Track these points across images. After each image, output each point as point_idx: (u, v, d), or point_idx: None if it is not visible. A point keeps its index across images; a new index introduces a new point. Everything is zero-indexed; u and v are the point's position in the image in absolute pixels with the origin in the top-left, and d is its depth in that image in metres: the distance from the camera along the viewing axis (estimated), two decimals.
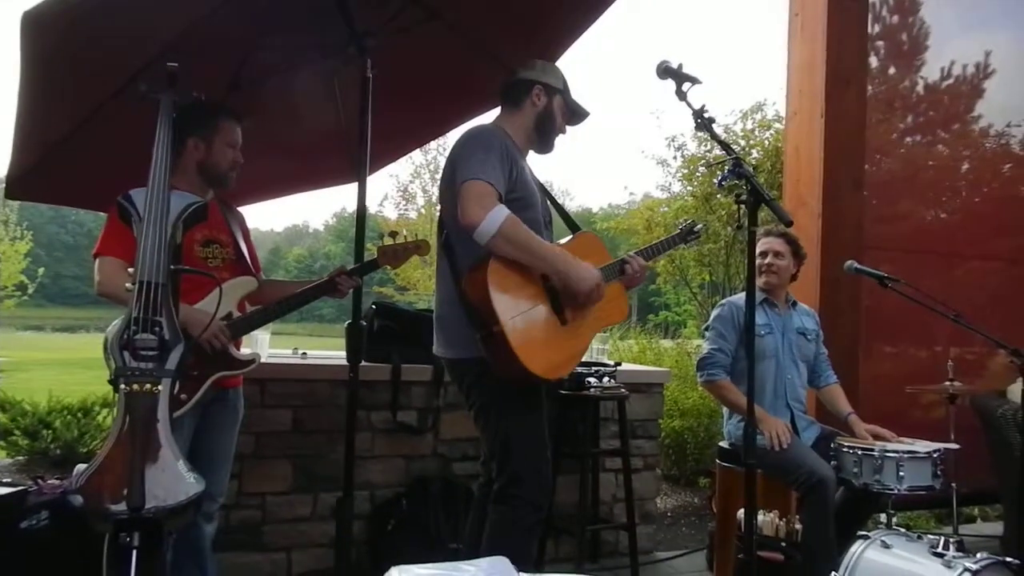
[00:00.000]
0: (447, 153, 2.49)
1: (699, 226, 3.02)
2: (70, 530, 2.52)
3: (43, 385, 7.06)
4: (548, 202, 2.72)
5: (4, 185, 2.83)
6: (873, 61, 4.52)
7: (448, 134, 3.87)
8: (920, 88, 4.76)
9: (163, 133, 1.95)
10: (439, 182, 2.57)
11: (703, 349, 3.41)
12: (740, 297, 3.38)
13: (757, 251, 3.29)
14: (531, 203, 2.49)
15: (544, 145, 2.67)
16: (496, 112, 2.71)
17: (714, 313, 3.44)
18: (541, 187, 2.68)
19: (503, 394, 2.42)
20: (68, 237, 52.89)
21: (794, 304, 3.50)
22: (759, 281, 3.36)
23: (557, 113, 2.64)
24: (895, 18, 4.63)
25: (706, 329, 3.47)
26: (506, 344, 2.24)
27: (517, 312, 2.30)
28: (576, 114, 2.72)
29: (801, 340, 3.42)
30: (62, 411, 5.66)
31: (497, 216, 2.26)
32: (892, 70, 4.68)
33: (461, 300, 2.39)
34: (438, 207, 2.73)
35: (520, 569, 1.59)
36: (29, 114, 2.37)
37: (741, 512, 3.02)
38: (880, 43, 4.57)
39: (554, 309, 2.40)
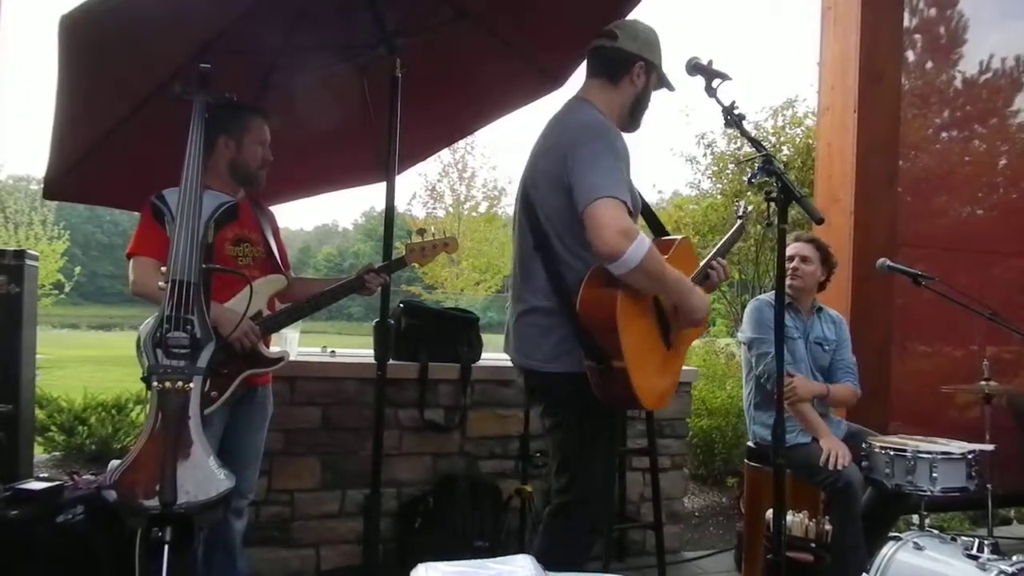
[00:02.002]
0: (563, 139, 2.20)
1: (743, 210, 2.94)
2: (104, 525, 2.57)
3: (79, 382, 7.20)
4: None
5: (42, 186, 2.88)
6: (909, 55, 4.45)
7: (475, 134, 3.87)
8: (958, 82, 4.67)
9: (196, 133, 1.98)
10: (531, 169, 2.33)
11: (766, 356, 3.22)
12: (768, 296, 3.35)
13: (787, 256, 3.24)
14: (633, 209, 2.20)
15: (634, 125, 2.43)
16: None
17: (755, 319, 3.32)
18: None
19: (593, 415, 2.26)
20: (104, 237, 53.87)
21: (819, 310, 3.43)
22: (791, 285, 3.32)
23: (651, 92, 2.42)
24: (932, 11, 4.55)
25: (742, 335, 3.42)
26: (627, 381, 2.09)
27: (640, 347, 2.15)
28: (664, 88, 2.48)
29: (818, 350, 3.36)
30: (97, 408, 5.76)
31: (640, 249, 2.01)
32: (929, 64, 4.59)
33: (570, 316, 2.16)
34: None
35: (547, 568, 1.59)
36: (66, 116, 2.41)
37: (770, 512, 2.99)
38: (917, 36, 4.49)
39: (662, 333, 2.28)
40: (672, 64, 2.40)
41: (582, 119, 2.26)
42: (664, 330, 2.28)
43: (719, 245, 2.64)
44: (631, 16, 2.75)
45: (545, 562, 2.16)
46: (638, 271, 2.03)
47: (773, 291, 3.37)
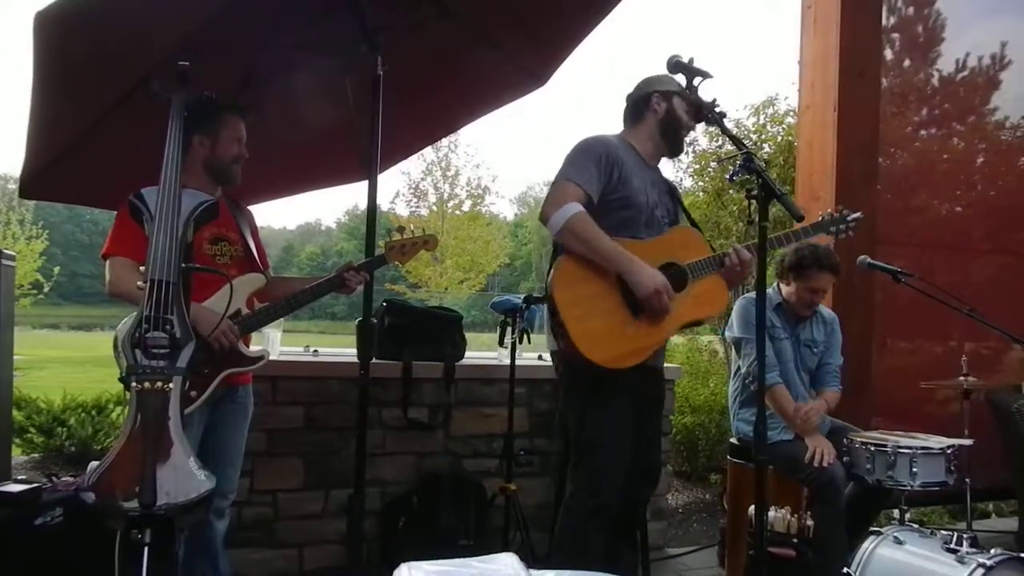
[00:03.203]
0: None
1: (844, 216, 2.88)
2: (84, 527, 2.55)
3: (58, 383, 7.12)
4: (677, 205, 2.82)
5: (19, 184, 2.85)
6: (888, 53, 4.48)
7: (459, 131, 3.87)
8: (935, 80, 4.71)
9: (175, 132, 1.96)
10: None
11: (752, 355, 3.23)
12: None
13: (810, 286, 3.24)
14: (631, 203, 2.58)
15: (674, 147, 2.76)
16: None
17: (743, 318, 3.30)
18: (671, 191, 2.80)
19: (578, 383, 2.59)
20: (83, 236, 53.24)
21: (814, 312, 3.41)
22: (801, 307, 3.32)
23: (680, 112, 2.68)
24: (910, 10, 4.58)
25: (729, 334, 3.42)
26: (567, 334, 2.39)
27: (580, 304, 2.43)
28: (701, 107, 2.64)
29: (806, 352, 3.38)
30: (76, 409, 5.70)
31: (567, 211, 2.43)
32: (907, 62, 4.63)
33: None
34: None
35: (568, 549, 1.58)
36: (43, 114, 2.38)
37: (752, 508, 3.01)
38: (895, 35, 4.53)
39: (627, 301, 2.47)
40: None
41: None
42: (629, 298, 2.47)
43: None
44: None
45: (560, 527, 2.51)
46: (565, 231, 2.43)
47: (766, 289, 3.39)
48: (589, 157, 2.54)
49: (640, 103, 2.73)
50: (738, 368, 3.39)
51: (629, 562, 2.90)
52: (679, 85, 2.66)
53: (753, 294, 3.42)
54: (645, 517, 3.55)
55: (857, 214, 2.85)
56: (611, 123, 2.64)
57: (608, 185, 2.55)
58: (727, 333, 3.49)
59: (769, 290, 3.39)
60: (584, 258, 2.46)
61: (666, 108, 2.69)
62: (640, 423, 2.64)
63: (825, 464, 3.00)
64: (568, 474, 2.63)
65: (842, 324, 3.53)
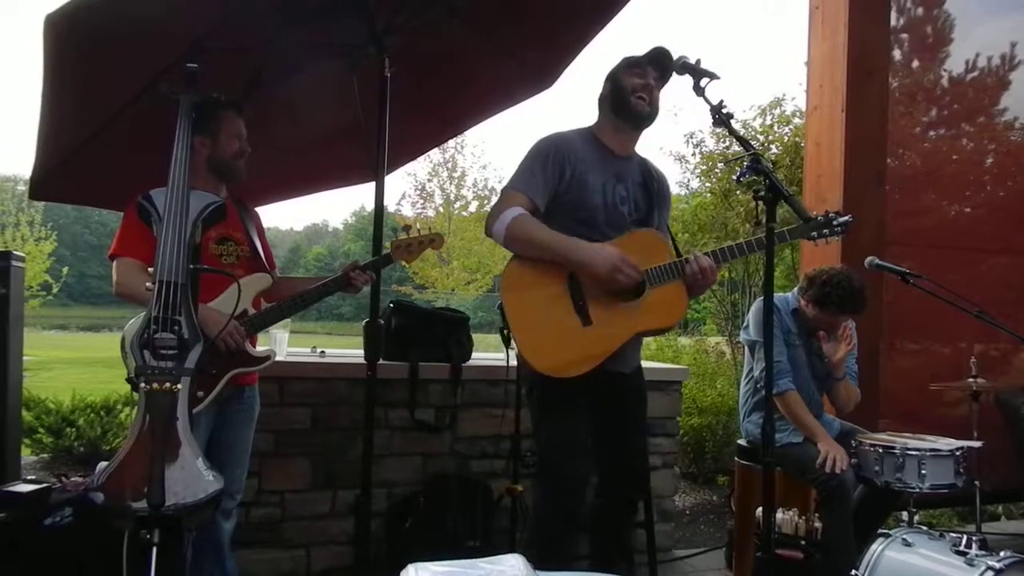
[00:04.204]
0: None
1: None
2: (93, 527, 2.55)
3: (67, 383, 7.17)
4: (654, 200, 2.63)
5: (28, 186, 2.86)
6: (896, 54, 4.47)
7: (465, 133, 3.88)
8: (944, 81, 4.69)
9: (183, 133, 1.97)
10: None
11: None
12: (777, 297, 3.26)
13: (827, 320, 3.20)
14: (585, 204, 2.48)
15: (629, 116, 2.54)
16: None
17: (758, 321, 3.26)
18: (646, 184, 2.62)
19: (532, 391, 2.55)
20: (92, 237, 53.47)
21: None
22: (815, 326, 3.28)
23: (624, 81, 2.52)
24: (919, 10, 4.57)
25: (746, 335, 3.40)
26: (514, 341, 2.39)
27: (527, 310, 2.39)
28: (636, 64, 2.54)
29: (818, 360, 3.32)
30: (85, 409, 5.73)
31: (506, 217, 2.38)
32: (916, 63, 4.62)
33: None
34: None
35: (541, 561, 1.59)
36: (53, 116, 2.39)
37: (760, 510, 3.01)
38: (904, 36, 4.51)
39: (577, 309, 2.39)
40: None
41: None
42: (579, 305, 2.39)
43: (721, 248, 2.49)
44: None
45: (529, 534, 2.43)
46: (507, 237, 2.38)
47: (782, 292, 3.36)
48: (536, 160, 2.48)
49: (600, 96, 2.64)
50: (751, 370, 3.36)
51: (619, 568, 2.78)
52: (626, 60, 2.57)
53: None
54: (653, 521, 3.55)
55: (846, 218, 2.45)
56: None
57: (560, 185, 2.47)
58: (743, 335, 3.46)
59: (789, 295, 3.37)
60: (533, 262, 2.39)
61: (611, 87, 2.57)
62: (612, 429, 2.56)
63: (838, 471, 2.96)
64: (532, 486, 2.59)
65: None
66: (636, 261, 2.38)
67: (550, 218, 2.46)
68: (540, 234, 2.38)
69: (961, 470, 2.87)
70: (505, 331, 2.46)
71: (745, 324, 3.43)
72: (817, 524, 3.06)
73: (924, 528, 2.72)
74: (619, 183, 2.56)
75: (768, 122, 8.85)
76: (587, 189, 2.49)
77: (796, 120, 8.35)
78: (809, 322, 3.29)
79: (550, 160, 2.47)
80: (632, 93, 2.51)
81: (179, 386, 1.73)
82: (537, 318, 2.38)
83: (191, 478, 1.71)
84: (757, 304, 3.36)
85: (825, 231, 2.44)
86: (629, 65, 2.55)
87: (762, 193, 2.11)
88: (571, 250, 2.36)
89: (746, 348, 3.45)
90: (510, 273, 2.42)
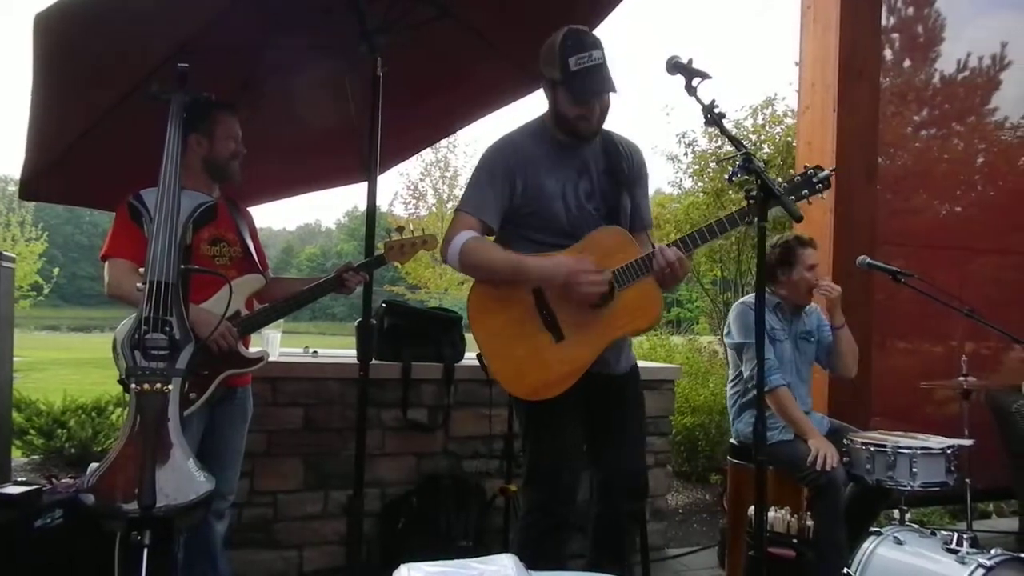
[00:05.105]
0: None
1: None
2: (83, 529, 2.54)
3: (58, 385, 7.12)
4: (621, 188, 2.42)
5: (19, 186, 2.85)
6: (887, 54, 4.48)
7: (458, 132, 3.88)
8: (935, 80, 4.71)
9: (174, 133, 1.96)
10: None
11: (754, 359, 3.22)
12: (751, 298, 3.31)
13: (805, 265, 3.25)
14: (544, 213, 2.33)
15: (568, 138, 2.37)
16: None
17: (741, 323, 3.27)
18: (613, 168, 2.41)
19: (519, 405, 2.47)
20: (83, 238, 53.22)
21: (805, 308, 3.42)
22: (805, 293, 3.32)
23: (563, 105, 2.31)
24: (910, 10, 4.59)
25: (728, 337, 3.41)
26: (490, 371, 2.36)
27: (497, 336, 2.31)
28: (583, 96, 2.28)
29: (804, 344, 3.37)
30: (76, 410, 5.69)
31: (456, 243, 2.28)
32: (907, 63, 4.63)
33: None
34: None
35: (530, 566, 1.59)
36: (43, 115, 2.38)
37: (752, 509, 3.01)
38: (895, 35, 4.53)
39: (547, 325, 2.28)
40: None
41: None
42: (549, 321, 2.27)
43: (687, 234, 2.34)
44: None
45: (517, 544, 2.35)
46: (463, 266, 2.29)
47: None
48: (482, 176, 2.35)
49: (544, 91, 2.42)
50: (739, 372, 3.37)
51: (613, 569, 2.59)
52: (566, 68, 2.25)
53: (748, 298, 3.44)
54: (645, 520, 3.55)
55: (826, 172, 2.33)
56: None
57: (515, 199, 2.33)
58: (726, 340, 3.46)
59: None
60: (495, 285, 2.30)
61: (551, 99, 2.35)
62: (606, 433, 2.48)
63: (828, 468, 2.97)
64: (519, 492, 2.56)
65: None
66: (600, 262, 2.25)
67: (515, 232, 2.38)
68: (492, 255, 2.30)
69: (952, 468, 2.88)
70: (482, 359, 2.42)
71: (727, 330, 3.41)
72: (809, 522, 3.07)
73: (915, 526, 2.74)
74: (581, 178, 2.39)
75: (760, 122, 8.89)
76: (544, 197, 2.34)
77: (788, 120, 8.38)
78: (798, 300, 3.33)
79: (498, 174, 2.33)
80: (580, 122, 2.33)
81: (170, 387, 1.73)
82: (508, 343, 2.29)
83: (182, 479, 1.70)
84: (735, 308, 3.37)
85: (805, 191, 2.32)
86: (577, 96, 2.27)
87: (754, 192, 2.11)
88: (525, 267, 2.26)
89: (730, 352, 3.45)
90: (474, 299, 2.32)
